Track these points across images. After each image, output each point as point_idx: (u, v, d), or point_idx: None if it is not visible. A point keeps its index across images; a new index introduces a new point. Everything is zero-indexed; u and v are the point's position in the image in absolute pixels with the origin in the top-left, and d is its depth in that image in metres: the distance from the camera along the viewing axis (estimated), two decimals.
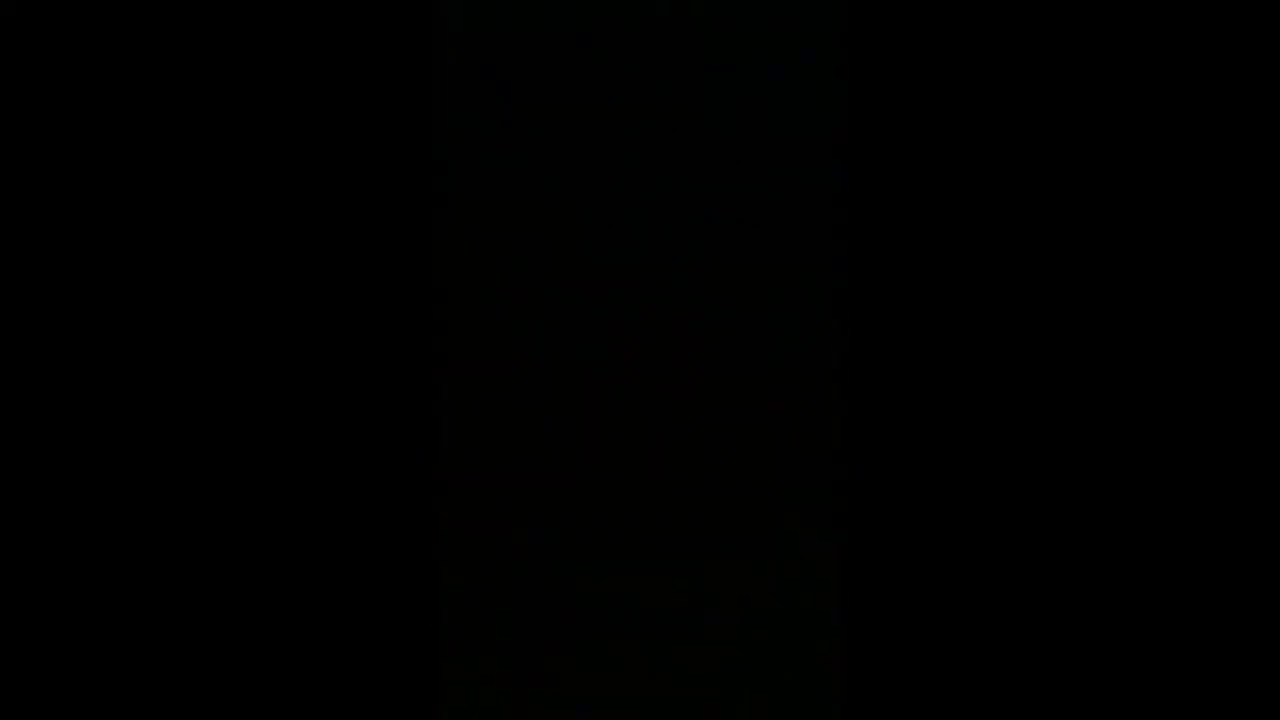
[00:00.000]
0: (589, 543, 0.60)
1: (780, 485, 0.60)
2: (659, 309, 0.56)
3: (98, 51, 0.34)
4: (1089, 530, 0.33)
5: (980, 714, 0.33)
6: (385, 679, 0.36)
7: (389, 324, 0.36)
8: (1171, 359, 0.31)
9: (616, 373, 0.53)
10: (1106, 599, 0.33)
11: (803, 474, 0.62)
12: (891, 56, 0.33)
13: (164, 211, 0.34)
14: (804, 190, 0.55)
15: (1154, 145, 0.31)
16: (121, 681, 0.34)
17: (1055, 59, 0.32)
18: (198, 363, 0.34)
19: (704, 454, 0.55)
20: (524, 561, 0.61)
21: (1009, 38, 0.32)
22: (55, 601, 0.34)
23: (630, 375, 0.52)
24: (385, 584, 0.36)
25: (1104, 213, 0.32)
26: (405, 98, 0.36)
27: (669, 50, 0.78)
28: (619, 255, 0.57)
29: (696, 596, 0.57)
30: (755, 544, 0.55)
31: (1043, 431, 0.33)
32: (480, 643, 0.58)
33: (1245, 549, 0.32)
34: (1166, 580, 0.32)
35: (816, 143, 0.56)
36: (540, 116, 0.78)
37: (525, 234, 0.59)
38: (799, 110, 0.73)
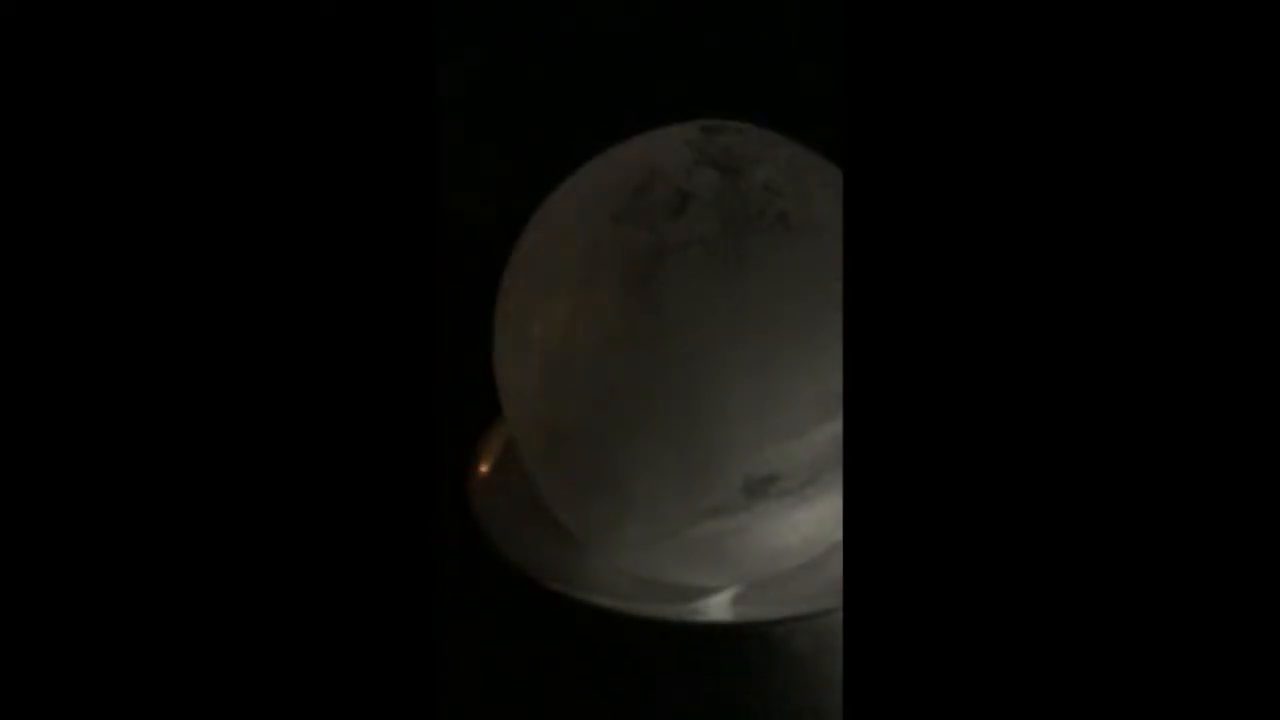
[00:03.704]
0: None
1: None
2: None
3: (100, 52, 0.34)
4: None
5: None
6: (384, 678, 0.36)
7: (390, 322, 0.36)
8: (1169, 357, 0.31)
9: None
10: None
11: None
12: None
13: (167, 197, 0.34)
14: None
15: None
16: (120, 679, 0.35)
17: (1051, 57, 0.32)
18: (196, 350, 0.34)
19: None
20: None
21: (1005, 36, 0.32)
22: (45, 586, 0.34)
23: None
24: (384, 582, 0.36)
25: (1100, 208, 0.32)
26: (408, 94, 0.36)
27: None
28: None
29: None
30: None
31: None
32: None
33: (1243, 548, 0.32)
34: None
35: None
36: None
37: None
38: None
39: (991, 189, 0.35)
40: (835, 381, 0.49)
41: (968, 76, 0.35)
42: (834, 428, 0.50)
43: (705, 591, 0.58)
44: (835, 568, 0.57)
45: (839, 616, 0.56)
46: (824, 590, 0.57)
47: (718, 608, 0.57)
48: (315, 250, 0.37)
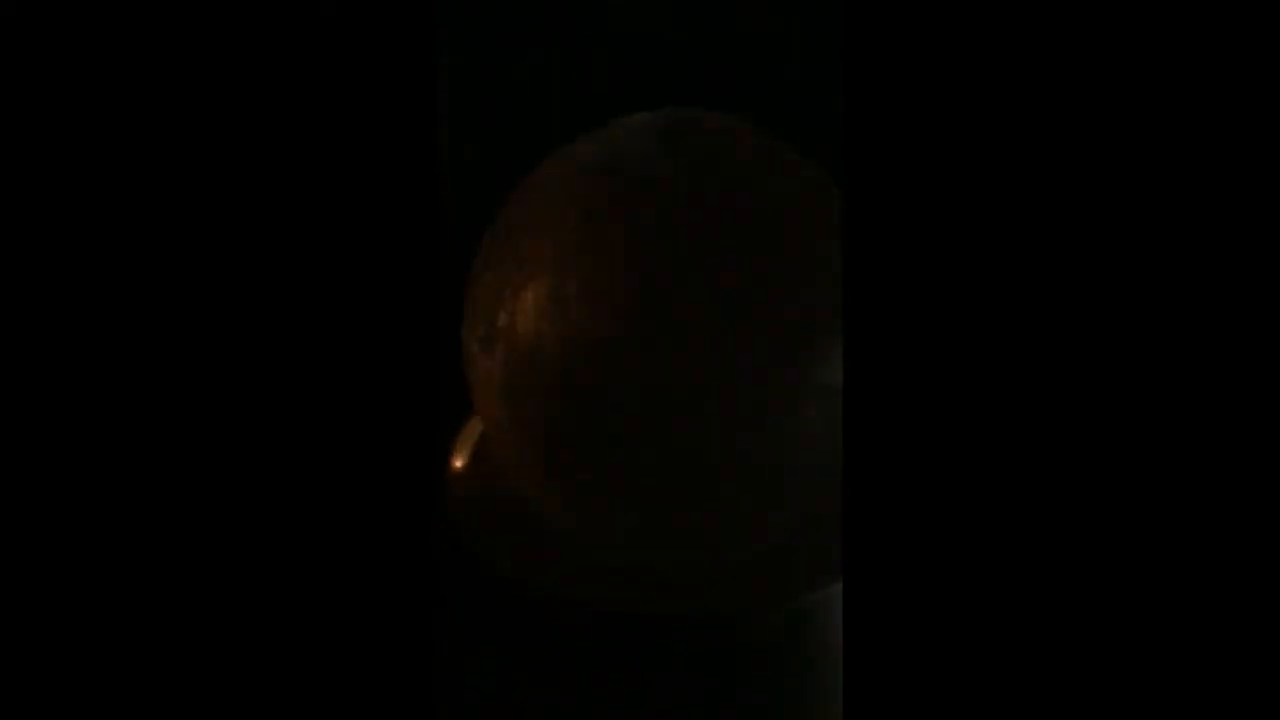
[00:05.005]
0: None
1: None
2: None
3: (100, 53, 0.34)
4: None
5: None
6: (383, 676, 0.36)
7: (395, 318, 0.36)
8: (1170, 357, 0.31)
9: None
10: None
11: None
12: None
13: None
14: None
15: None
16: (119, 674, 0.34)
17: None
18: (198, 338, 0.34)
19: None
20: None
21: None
22: (45, 587, 0.34)
23: None
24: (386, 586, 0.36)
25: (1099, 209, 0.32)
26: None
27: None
28: None
29: None
30: None
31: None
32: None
33: (1244, 547, 0.32)
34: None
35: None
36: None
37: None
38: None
39: (991, 188, 0.35)
40: (805, 373, 0.50)
41: (963, 75, 0.35)
42: (804, 418, 0.51)
43: (681, 583, 0.58)
44: (815, 557, 0.58)
45: (822, 605, 0.56)
46: (803, 580, 0.58)
47: (694, 600, 0.58)
48: (311, 251, 0.37)
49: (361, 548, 0.38)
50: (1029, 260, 0.35)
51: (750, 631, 0.57)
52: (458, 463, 0.65)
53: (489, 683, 0.55)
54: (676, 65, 0.75)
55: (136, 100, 0.36)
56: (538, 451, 0.53)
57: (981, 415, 0.35)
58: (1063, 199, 0.35)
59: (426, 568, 0.39)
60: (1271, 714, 0.33)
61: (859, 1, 0.35)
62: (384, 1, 0.36)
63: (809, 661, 0.56)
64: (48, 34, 0.35)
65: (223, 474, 0.37)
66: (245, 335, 0.37)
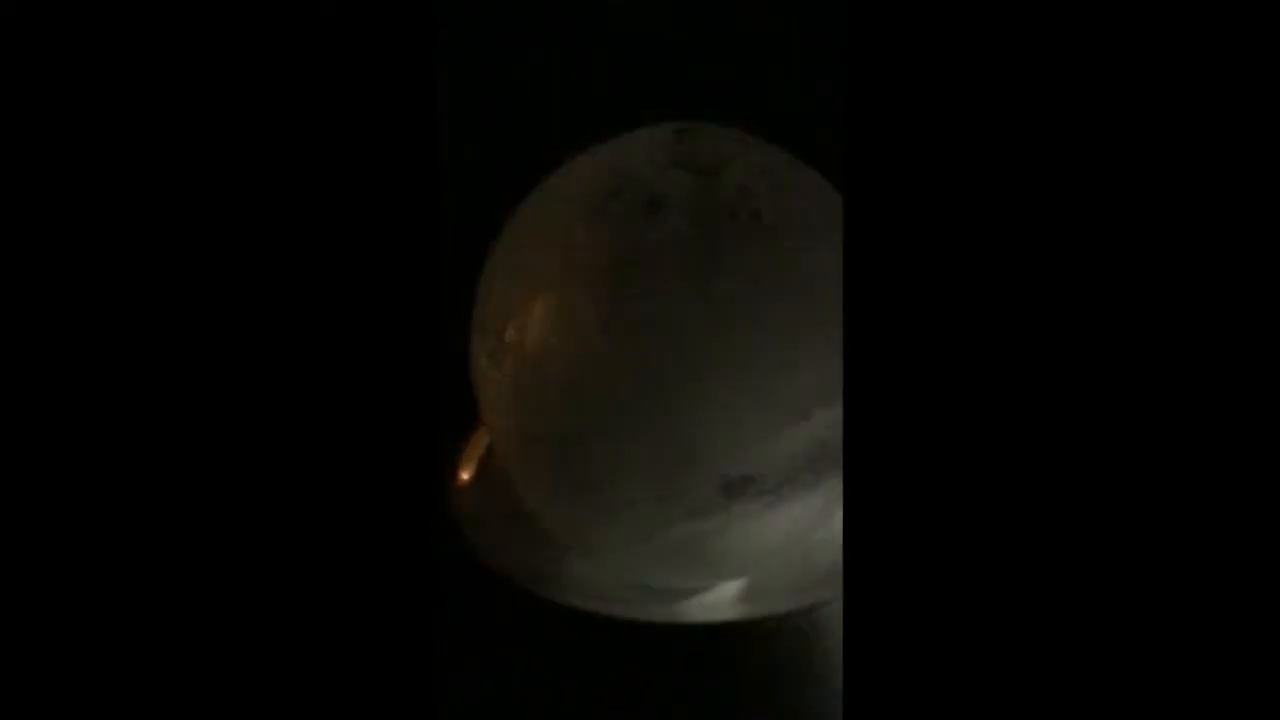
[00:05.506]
0: None
1: None
2: None
3: (100, 53, 0.34)
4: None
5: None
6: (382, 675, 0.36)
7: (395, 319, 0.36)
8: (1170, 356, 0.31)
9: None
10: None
11: None
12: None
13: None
14: None
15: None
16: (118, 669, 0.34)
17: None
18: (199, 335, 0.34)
19: None
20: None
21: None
22: (42, 589, 0.33)
23: None
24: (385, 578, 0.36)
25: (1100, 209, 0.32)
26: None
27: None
28: None
29: None
30: None
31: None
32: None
33: (1244, 547, 0.31)
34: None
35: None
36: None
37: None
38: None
39: (992, 189, 0.35)
40: (812, 380, 0.50)
41: (964, 76, 0.35)
42: (810, 426, 0.50)
43: (685, 592, 0.58)
44: (815, 564, 0.58)
45: (822, 612, 0.56)
46: (806, 587, 0.58)
47: (698, 608, 0.58)
48: (311, 253, 0.37)
49: (363, 548, 0.38)
50: (1029, 261, 0.35)
51: (751, 634, 0.57)
52: (464, 474, 0.65)
53: (489, 683, 0.55)
54: (676, 65, 0.75)
55: (136, 100, 0.36)
56: (544, 464, 0.53)
57: (982, 416, 0.35)
58: (1063, 199, 0.35)
59: (427, 568, 0.39)
60: (1272, 714, 0.33)
61: (859, 1, 0.35)
62: (384, 1, 0.36)
63: (809, 664, 0.56)
64: (48, 34, 0.35)
65: (227, 477, 0.37)
66: (246, 340, 0.37)
